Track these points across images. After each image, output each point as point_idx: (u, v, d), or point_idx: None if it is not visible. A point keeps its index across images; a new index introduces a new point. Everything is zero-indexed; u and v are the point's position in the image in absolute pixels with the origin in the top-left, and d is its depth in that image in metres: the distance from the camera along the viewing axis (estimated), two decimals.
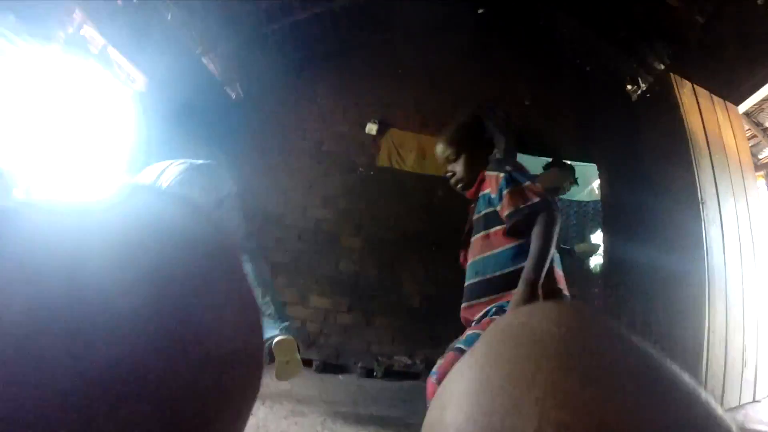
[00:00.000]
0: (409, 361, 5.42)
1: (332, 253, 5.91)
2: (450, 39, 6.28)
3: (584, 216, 6.63)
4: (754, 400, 4.18)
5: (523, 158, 6.07)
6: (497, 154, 2.44)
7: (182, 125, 4.89)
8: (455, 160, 2.45)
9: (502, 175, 2.21)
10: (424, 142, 6.10)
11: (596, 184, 6.67)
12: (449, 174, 2.50)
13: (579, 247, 5.19)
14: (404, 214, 6.01)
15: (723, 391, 3.98)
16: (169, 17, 4.57)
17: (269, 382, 4.13)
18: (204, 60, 5.32)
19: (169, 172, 3.83)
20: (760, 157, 5.34)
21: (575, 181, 5.26)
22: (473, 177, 2.40)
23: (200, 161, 3.98)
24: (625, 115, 5.87)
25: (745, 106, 4.58)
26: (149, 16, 4.36)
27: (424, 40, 6.32)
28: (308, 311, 5.75)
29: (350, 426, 3.41)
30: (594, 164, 6.30)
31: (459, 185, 2.48)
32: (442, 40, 6.31)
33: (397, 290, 5.87)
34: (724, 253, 4.14)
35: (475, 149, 2.44)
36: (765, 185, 5.22)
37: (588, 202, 6.81)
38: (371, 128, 6.10)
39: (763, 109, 4.86)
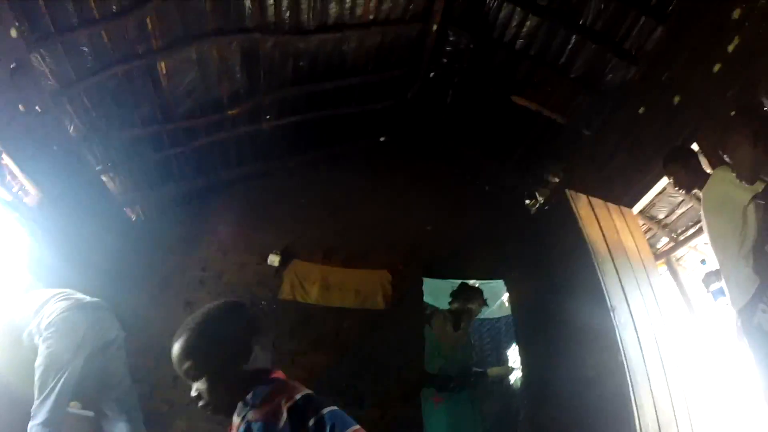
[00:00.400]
0: None
1: None
2: (353, 168, 6.51)
3: (498, 332, 6.56)
4: None
5: (431, 283, 6.11)
6: (260, 358, 1.71)
7: (76, 246, 4.58)
8: (196, 378, 1.66)
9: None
10: (328, 274, 6.00)
11: (506, 297, 6.71)
12: (194, 395, 1.68)
13: (492, 371, 5.10)
14: (310, 350, 5.63)
15: None
16: (72, 130, 4.44)
17: None
18: (104, 178, 5.12)
19: (52, 306, 3.57)
20: (658, 246, 5.67)
21: (485, 302, 5.27)
22: (230, 405, 1.65)
23: (87, 299, 3.77)
24: (527, 228, 6.12)
25: (639, 206, 4.87)
26: (50, 126, 4.20)
27: (328, 170, 6.51)
28: None
29: None
30: (501, 280, 6.38)
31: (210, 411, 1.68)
32: (345, 169, 6.54)
33: None
34: (641, 352, 4.14)
35: (226, 363, 1.66)
36: (666, 271, 5.50)
37: (500, 318, 6.81)
38: (273, 260, 5.90)
39: (655, 203, 5.24)
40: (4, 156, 3.86)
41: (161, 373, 5.16)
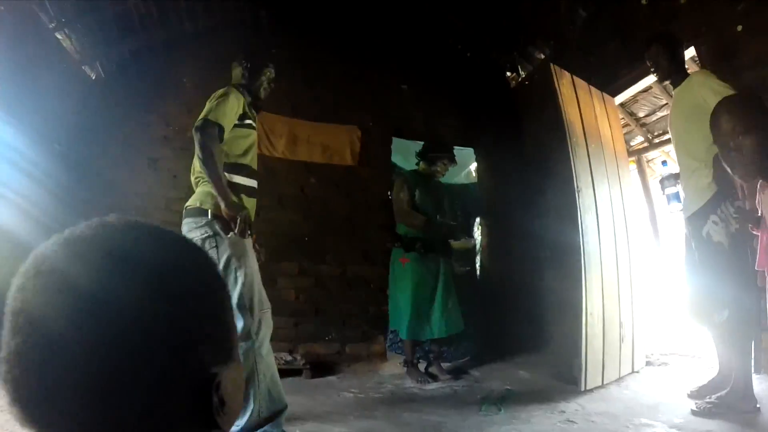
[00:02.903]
0: (289, 357, 5.21)
1: None
2: (326, 23, 6.10)
3: (465, 198, 6.66)
4: (633, 371, 4.45)
5: (400, 143, 6.07)
6: None
7: (33, 114, 4.28)
8: None
9: None
10: (295, 127, 5.86)
11: (473, 167, 6.77)
12: None
13: (455, 245, 5.19)
14: (275, 205, 5.68)
15: (603, 366, 4.19)
16: None
17: None
18: (59, 36, 4.68)
19: None
20: (632, 144, 5.70)
21: (453, 159, 5.20)
22: None
23: None
24: (505, 101, 6.00)
25: (621, 98, 4.79)
26: None
27: (300, 23, 6.06)
28: None
29: None
30: (472, 149, 6.39)
31: None
32: (318, 23, 6.11)
33: (271, 285, 5.41)
34: (599, 237, 4.31)
35: None
36: (635, 170, 5.60)
37: (467, 185, 6.91)
38: None
39: (637, 100, 5.17)
40: None
41: None
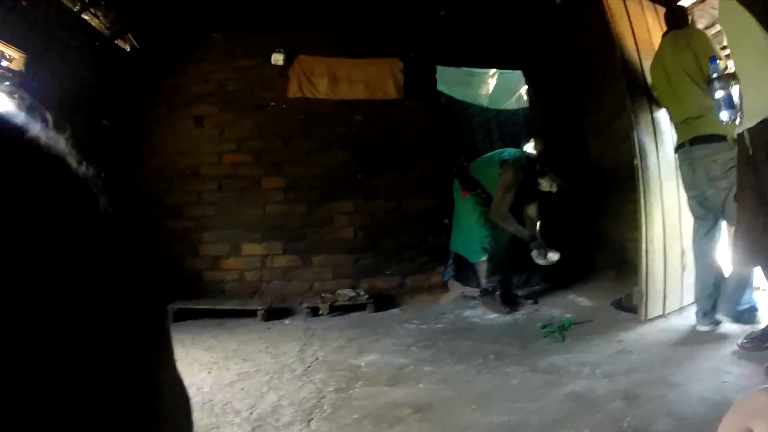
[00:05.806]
0: (353, 293, 5.33)
1: (256, 197, 5.60)
2: None
3: (515, 124, 6.42)
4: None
5: (445, 71, 5.86)
6: None
7: (74, 96, 4.36)
8: None
9: None
10: (335, 67, 5.74)
11: (524, 90, 6.48)
12: None
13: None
14: (323, 146, 5.69)
15: (665, 296, 4.10)
16: None
17: (216, 344, 4.05)
18: (85, 17, 4.67)
19: None
20: None
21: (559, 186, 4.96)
22: None
23: None
24: (551, 19, 5.64)
25: None
26: None
27: None
28: (243, 260, 5.53)
29: (296, 380, 3.23)
30: (520, 71, 6.09)
31: None
32: None
33: (328, 224, 5.68)
34: (658, 160, 4.11)
35: None
36: None
37: (517, 110, 6.65)
38: (277, 58, 5.59)
39: (693, 12, 4.73)
40: None
41: (183, 192, 5.39)
